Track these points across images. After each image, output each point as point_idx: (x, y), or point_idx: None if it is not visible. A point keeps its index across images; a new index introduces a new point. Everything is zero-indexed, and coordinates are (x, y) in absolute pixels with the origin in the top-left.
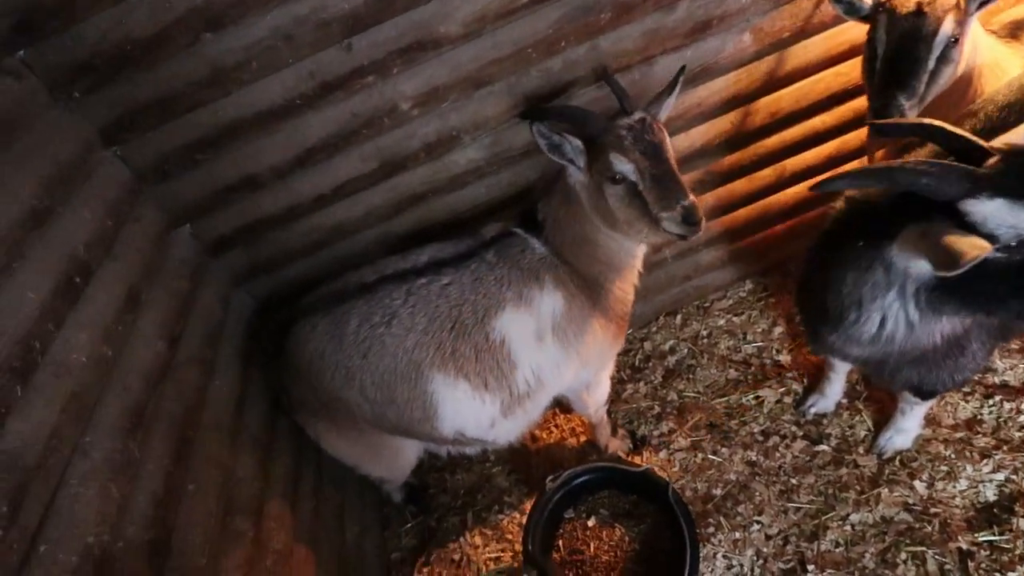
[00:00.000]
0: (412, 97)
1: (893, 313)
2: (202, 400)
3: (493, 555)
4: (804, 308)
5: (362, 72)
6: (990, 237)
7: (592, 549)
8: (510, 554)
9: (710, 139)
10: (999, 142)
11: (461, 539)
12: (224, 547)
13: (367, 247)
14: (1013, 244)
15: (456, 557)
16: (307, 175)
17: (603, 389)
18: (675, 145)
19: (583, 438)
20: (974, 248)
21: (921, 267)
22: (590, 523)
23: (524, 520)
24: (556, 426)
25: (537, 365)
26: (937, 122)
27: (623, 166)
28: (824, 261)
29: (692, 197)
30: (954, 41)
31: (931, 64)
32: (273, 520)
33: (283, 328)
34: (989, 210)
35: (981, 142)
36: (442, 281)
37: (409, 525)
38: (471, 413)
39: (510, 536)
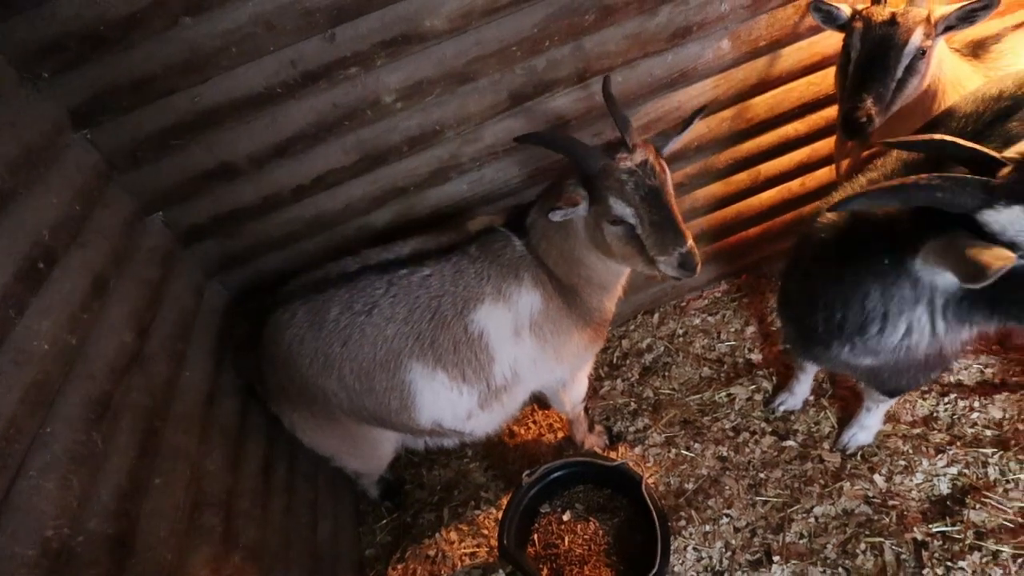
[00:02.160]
0: (396, 90)
1: (921, 325)
2: (171, 392)
3: (468, 551)
4: (798, 322)
5: (345, 63)
6: (1012, 245)
7: (566, 543)
8: (485, 549)
9: (688, 143)
10: (1012, 151)
11: (437, 535)
12: (191, 542)
13: (346, 241)
14: None
15: (431, 553)
16: (286, 165)
17: (580, 387)
18: None
19: (560, 434)
20: (998, 259)
21: (947, 280)
22: (565, 517)
23: (500, 515)
24: (534, 422)
25: (514, 360)
26: (948, 137)
27: (623, 210)
28: (830, 276)
29: (690, 242)
30: (921, 53)
31: (899, 72)
32: (243, 515)
33: (261, 316)
34: (1007, 219)
35: (994, 152)
36: (423, 272)
37: (384, 521)
38: (448, 404)
39: (486, 531)
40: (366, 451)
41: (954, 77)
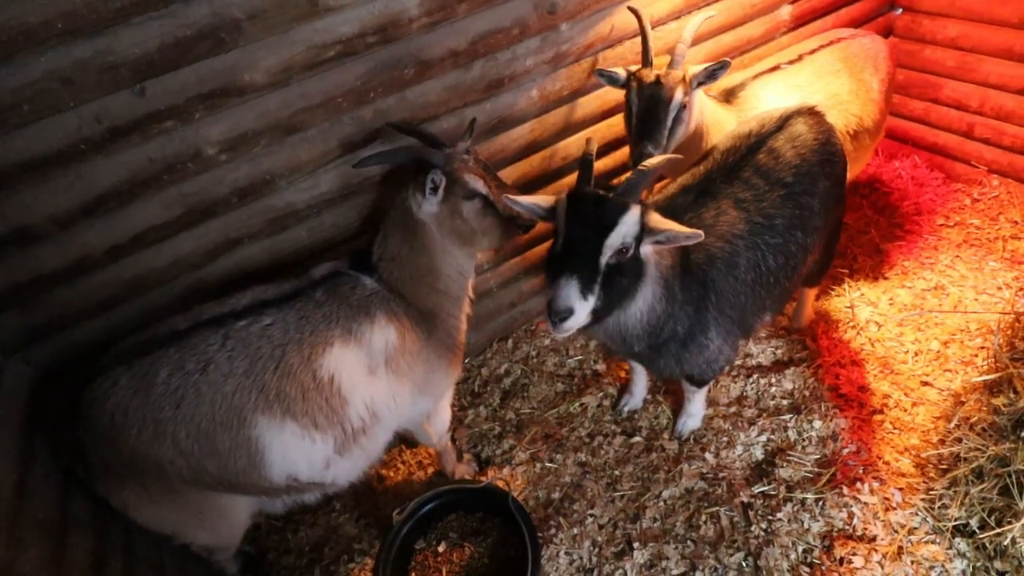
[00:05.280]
0: (218, 142)
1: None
2: None
3: None
4: None
5: (159, 117)
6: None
7: (444, 574)
8: None
9: (515, 180)
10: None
11: None
12: None
13: (177, 300)
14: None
15: None
16: (97, 224)
17: (444, 417)
18: None
19: (431, 469)
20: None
21: None
22: (440, 548)
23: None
24: (403, 462)
25: (371, 399)
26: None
27: (476, 183)
28: None
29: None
30: (683, 107)
31: (669, 123)
32: None
33: (78, 390)
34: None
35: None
36: (263, 322)
37: None
38: (302, 455)
39: None
40: (215, 521)
41: (715, 120)
